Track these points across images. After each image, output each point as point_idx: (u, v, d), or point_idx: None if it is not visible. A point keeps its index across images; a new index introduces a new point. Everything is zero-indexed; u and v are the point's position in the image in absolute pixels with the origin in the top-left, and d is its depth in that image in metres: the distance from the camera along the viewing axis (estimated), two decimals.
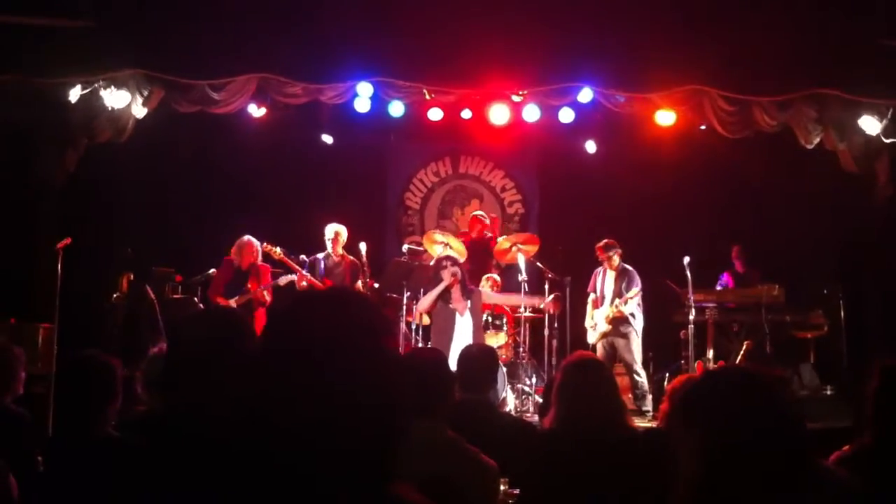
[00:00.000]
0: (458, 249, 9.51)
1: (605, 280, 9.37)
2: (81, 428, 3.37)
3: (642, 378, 9.10)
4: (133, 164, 9.60)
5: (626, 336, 9.14)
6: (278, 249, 9.18)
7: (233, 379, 2.15)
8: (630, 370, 9.11)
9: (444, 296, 8.35)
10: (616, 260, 9.27)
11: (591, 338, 9.41)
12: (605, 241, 9.32)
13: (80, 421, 3.39)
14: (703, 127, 9.80)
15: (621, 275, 9.24)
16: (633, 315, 9.12)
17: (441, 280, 8.31)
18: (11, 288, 8.64)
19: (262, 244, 9.18)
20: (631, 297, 9.01)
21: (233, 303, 8.87)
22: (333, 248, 9.44)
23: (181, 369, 2.42)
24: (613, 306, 9.09)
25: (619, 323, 9.16)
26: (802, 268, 9.92)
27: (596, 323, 9.33)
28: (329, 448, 1.31)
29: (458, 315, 8.29)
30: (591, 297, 9.50)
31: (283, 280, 9.21)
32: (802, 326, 9.65)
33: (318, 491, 1.32)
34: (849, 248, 9.83)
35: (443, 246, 9.49)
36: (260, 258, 9.27)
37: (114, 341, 8.79)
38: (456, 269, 8.33)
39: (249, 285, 9.07)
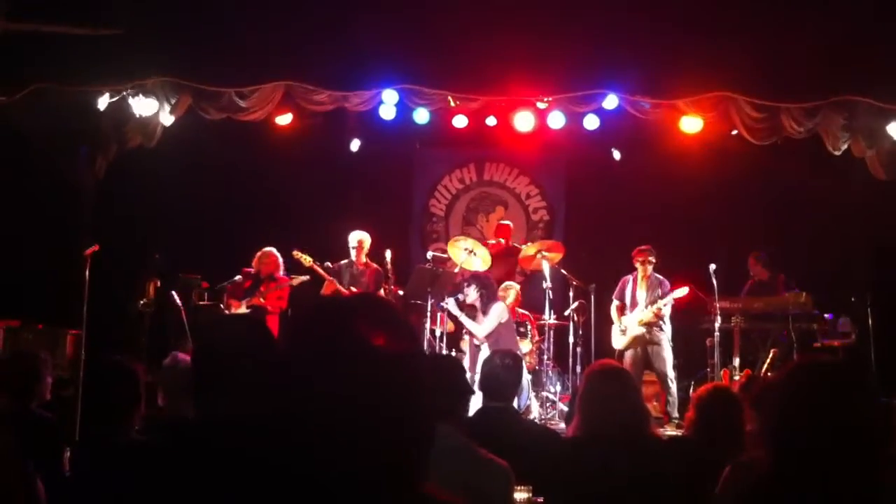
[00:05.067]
0: (482, 256, 9.52)
1: (636, 287, 9.37)
2: (107, 432, 3.40)
3: (674, 384, 9.08)
4: (160, 171, 9.66)
5: (658, 342, 9.14)
6: (308, 258, 9.24)
7: (259, 386, 2.16)
8: (663, 378, 9.11)
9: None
10: (650, 268, 9.30)
11: (619, 344, 9.37)
12: (646, 246, 9.36)
13: (105, 425, 3.42)
14: (734, 132, 9.71)
15: (654, 282, 9.24)
16: (663, 321, 9.13)
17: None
18: (40, 293, 8.73)
19: (293, 251, 9.25)
20: (668, 303, 9.03)
21: (244, 305, 8.95)
22: (357, 256, 9.48)
23: (207, 376, 2.43)
24: (650, 309, 9.07)
25: (651, 328, 9.15)
26: (830, 275, 9.81)
27: (626, 327, 9.31)
28: (359, 455, 1.31)
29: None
30: (615, 303, 9.48)
31: (296, 280, 9.26)
32: (830, 335, 9.55)
33: (351, 498, 1.31)
34: (877, 256, 9.72)
35: (467, 253, 9.48)
36: (281, 271, 9.33)
37: (141, 347, 8.86)
38: (449, 301, 8.41)
39: (262, 288, 9.15)
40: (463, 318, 8.30)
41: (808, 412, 2.06)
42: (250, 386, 2.25)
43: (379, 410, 1.33)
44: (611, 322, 9.59)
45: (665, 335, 9.21)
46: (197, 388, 2.47)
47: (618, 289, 9.55)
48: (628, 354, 9.30)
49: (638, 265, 9.38)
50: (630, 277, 9.48)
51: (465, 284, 8.36)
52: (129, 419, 3.48)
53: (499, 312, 8.11)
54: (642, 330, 9.19)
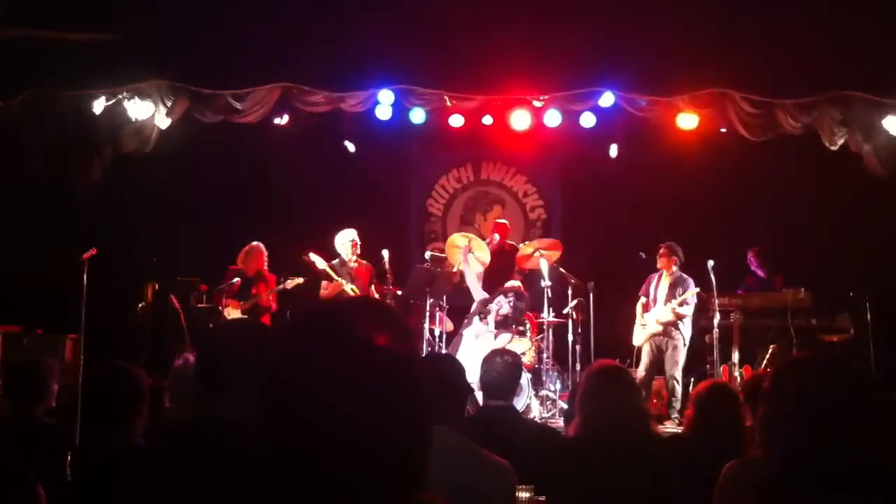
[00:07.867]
0: (481, 252, 9.52)
1: (659, 285, 9.39)
2: (109, 438, 3.40)
3: (679, 386, 9.09)
4: (158, 174, 9.66)
5: (674, 341, 9.17)
6: (321, 260, 9.16)
7: (262, 390, 2.15)
8: (669, 379, 9.13)
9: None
10: (673, 266, 9.31)
11: (638, 339, 9.40)
12: (665, 243, 9.40)
13: (107, 431, 3.42)
14: (722, 130, 9.73)
15: (676, 281, 9.25)
16: (682, 322, 9.13)
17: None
18: (38, 299, 8.73)
19: (307, 253, 9.20)
20: (687, 300, 9.04)
21: (240, 309, 8.95)
22: (352, 254, 9.47)
23: (211, 381, 2.43)
24: (668, 308, 9.10)
25: (669, 327, 9.17)
26: (828, 271, 9.81)
27: (646, 323, 9.33)
28: (357, 460, 1.30)
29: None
30: (642, 300, 9.51)
31: (290, 283, 9.23)
32: (829, 331, 9.55)
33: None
34: (875, 251, 9.72)
35: (466, 251, 9.48)
36: (266, 265, 9.33)
37: (141, 351, 8.85)
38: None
39: (254, 291, 9.13)
40: (494, 325, 8.46)
41: (803, 408, 2.06)
42: (254, 391, 2.25)
43: (383, 413, 1.32)
44: (610, 319, 9.61)
45: (681, 338, 9.19)
46: (200, 393, 2.47)
47: (643, 286, 9.57)
48: (645, 351, 9.33)
49: (661, 258, 9.41)
50: (655, 275, 9.51)
51: (508, 297, 8.52)
52: (131, 425, 3.47)
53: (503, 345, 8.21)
54: (660, 328, 9.22)
